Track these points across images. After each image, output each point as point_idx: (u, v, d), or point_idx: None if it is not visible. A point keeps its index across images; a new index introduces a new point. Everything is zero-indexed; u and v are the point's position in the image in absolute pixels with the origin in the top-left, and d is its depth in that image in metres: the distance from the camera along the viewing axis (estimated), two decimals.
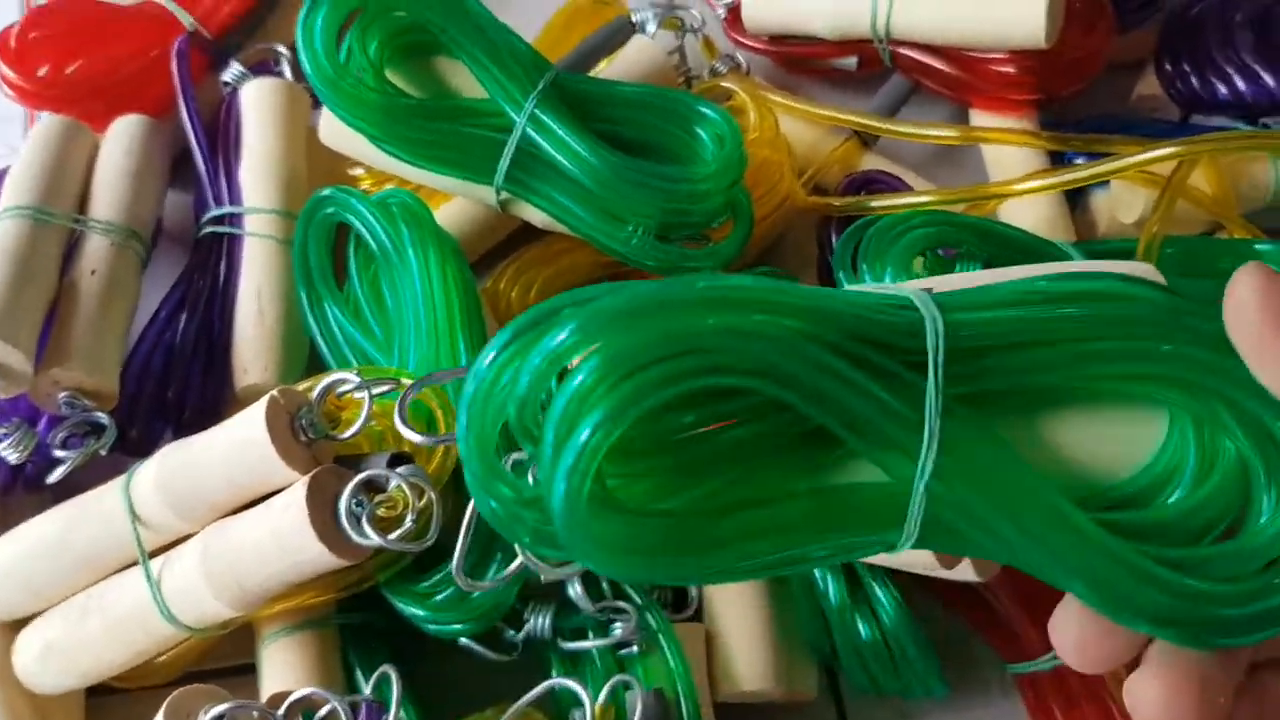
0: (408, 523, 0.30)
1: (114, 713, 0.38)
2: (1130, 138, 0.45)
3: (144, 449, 0.41)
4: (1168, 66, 0.51)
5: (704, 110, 0.40)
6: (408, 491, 0.30)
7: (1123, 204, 0.47)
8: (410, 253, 0.38)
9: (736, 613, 0.37)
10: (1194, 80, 0.50)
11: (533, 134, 0.39)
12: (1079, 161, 0.48)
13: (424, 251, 0.38)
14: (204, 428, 0.40)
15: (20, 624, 0.35)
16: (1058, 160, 0.49)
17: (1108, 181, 0.47)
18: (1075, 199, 0.49)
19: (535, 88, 0.39)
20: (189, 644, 0.36)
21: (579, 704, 0.31)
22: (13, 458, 0.36)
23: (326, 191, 0.39)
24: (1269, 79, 0.49)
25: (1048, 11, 0.43)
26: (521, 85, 0.39)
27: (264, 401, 0.30)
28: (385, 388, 0.33)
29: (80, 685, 0.35)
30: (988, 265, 0.37)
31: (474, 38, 0.39)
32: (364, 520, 0.29)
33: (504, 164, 0.40)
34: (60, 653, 0.34)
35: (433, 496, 0.30)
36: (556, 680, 0.32)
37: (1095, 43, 0.47)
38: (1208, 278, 0.41)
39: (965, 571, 0.31)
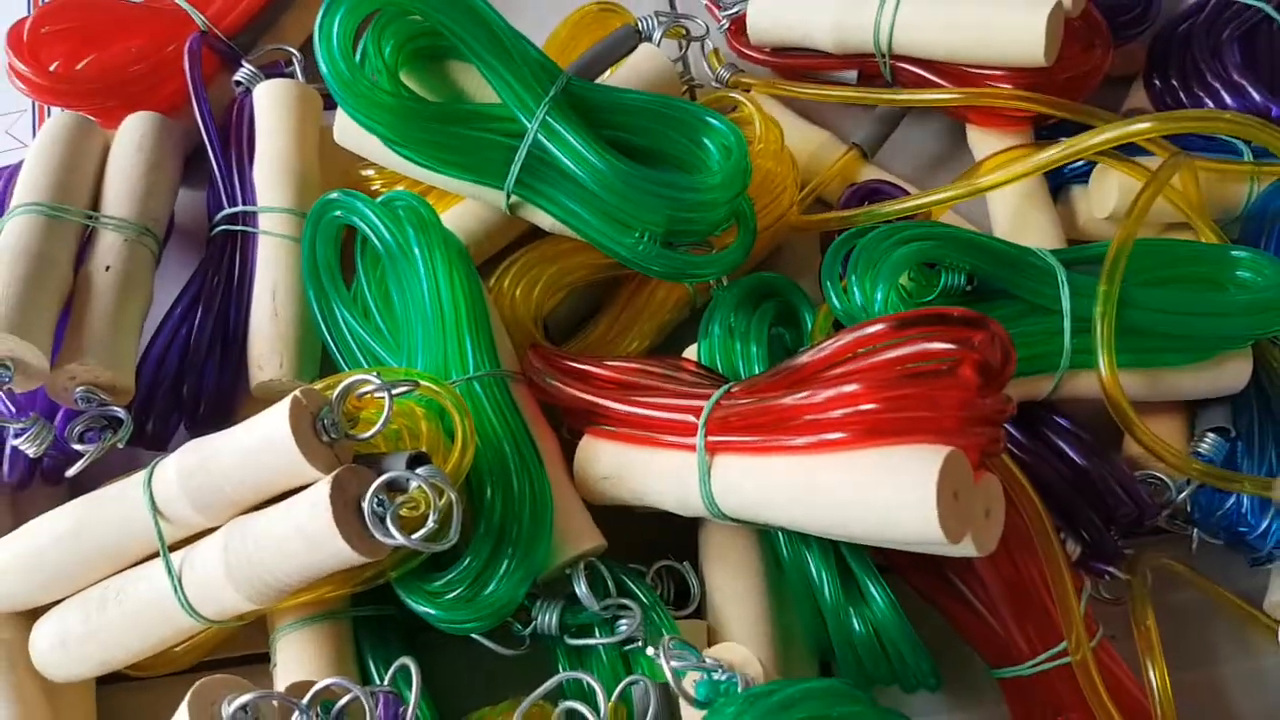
0: (430, 523, 0.29)
1: (125, 700, 0.39)
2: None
3: (159, 443, 0.41)
4: (1156, 81, 0.52)
5: (711, 121, 0.40)
6: (429, 492, 0.30)
7: (1097, 199, 0.48)
8: (417, 254, 0.37)
9: (736, 610, 0.37)
10: (1181, 94, 0.51)
11: (544, 140, 0.39)
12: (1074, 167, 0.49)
13: (430, 253, 0.38)
14: (219, 422, 0.40)
15: (36, 614, 0.35)
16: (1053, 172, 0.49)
17: (1087, 178, 0.48)
18: (1056, 195, 0.50)
19: (547, 94, 0.39)
20: (205, 635, 0.35)
21: (592, 697, 0.31)
22: (31, 451, 0.35)
23: (334, 194, 0.39)
24: (1254, 93, 0.50)
25: (1047, 30, 0.43)
26: (534, 91, 0.39)
27: (287, 401, 0.30)
28: (404, 389, 0.33)
29: (96, 674, 0.35)
30: (970, 277, 0.38)
31: (487, 43, 0.39)
32: (388, 520, 0.29)
33: (515, 169, 0.40)
34: (78, 642, 0.34)
35: (453, 497, 0.30)
36: (569, 674, 0.32)
37: (1094, 60, 0.47)
38: (1172, 281, 0.42)
39: (967, 547, 0.30)
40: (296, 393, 0.31)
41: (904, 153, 0.52)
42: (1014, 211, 0.48)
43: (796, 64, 0.51)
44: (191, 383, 0.41)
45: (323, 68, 0.38)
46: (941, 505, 0.28)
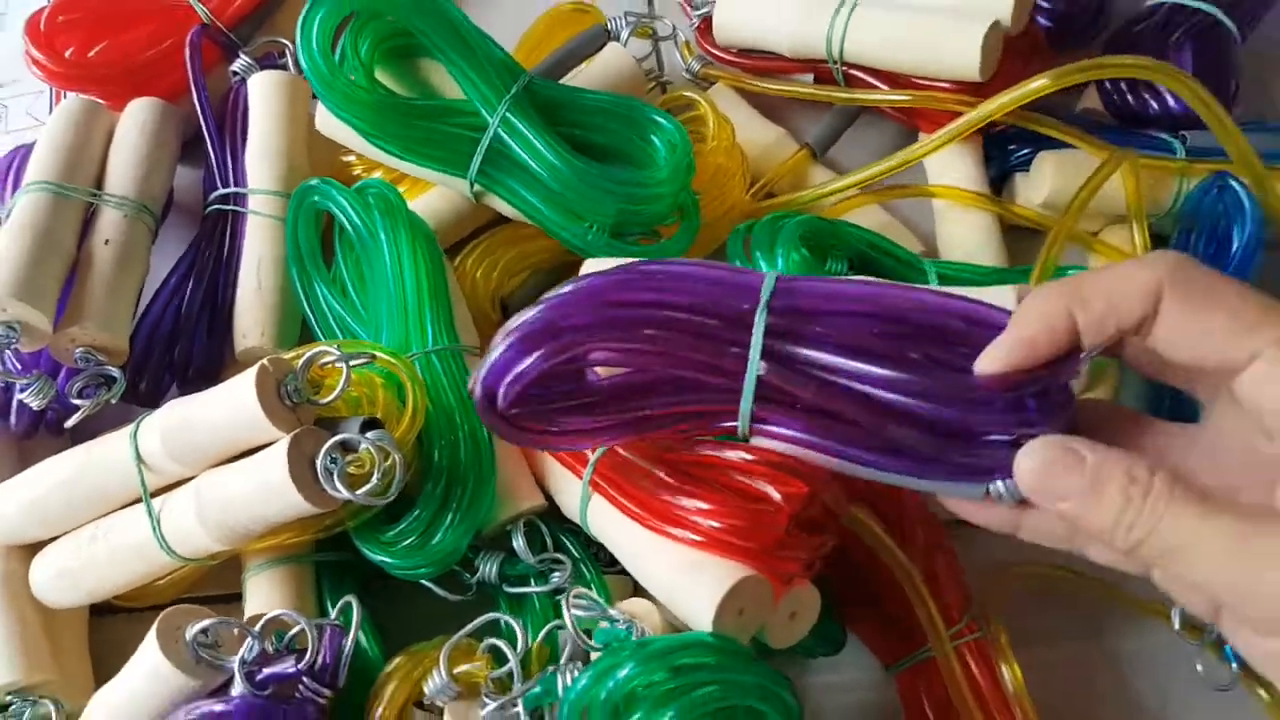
0: (374, 480, 0.33)
1: (116, 629, 0.42)
2: (1057, 122, 0.48)
3: (152, 401, 0.44)
4: (1106, 83, 0.53)
5: (659, 119, 0.43)
6: (375, 454, 0.33)
7: (1033, 185, 0.50)
8: (382, 236, 0.41)
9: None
10: (1129, 96, 0.53)
11: (504, 134, 0.42)
12: (1012, 147, 0.51)
13: (395, 236, 0.41)
14: (206, 384, 0.44)
15: (36, 548, 0.39)
16: (999, 156, 0.51)
17: (1028, 166, 0.50)
18: (1002, 183, 0.52)
19: (508, 92, 0.42)
20: (183, 571, 0.39)
21: (511, 636, 0.34)
22: (34, 404, 0.39)
23: (313, 182, 0.42)
24: None
25: (983, 49, 0.45)
26: (495, 89, 0.42)
27: (255, 369, 0.34)
28: (361, 360, 0.36)
29: (87, 602, 0.39)
30: (850, 262, 0.41)
31: (453, 44, 0.42)
32: (335, 476, 0.33)
33: (477, 160, 0.43)
34: (71, 574, 0.38)
35: (397, 458, 0.33)
36: (494, 615, 0.35)
37: (1029, 74, 0.49)
38: None
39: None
40: (264, 361, 0.34)
41: (857, 153, 0.54)
42: (958, 217, 0.50)
43: (758, 65, 0.53)
44: (182, 347, 0.44)
45: (304, 65, 0.41)
46: (720, 617, 0.32)
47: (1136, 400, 0.46)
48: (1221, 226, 0.49)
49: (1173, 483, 0.26)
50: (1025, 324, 0.28)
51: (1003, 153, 0.52)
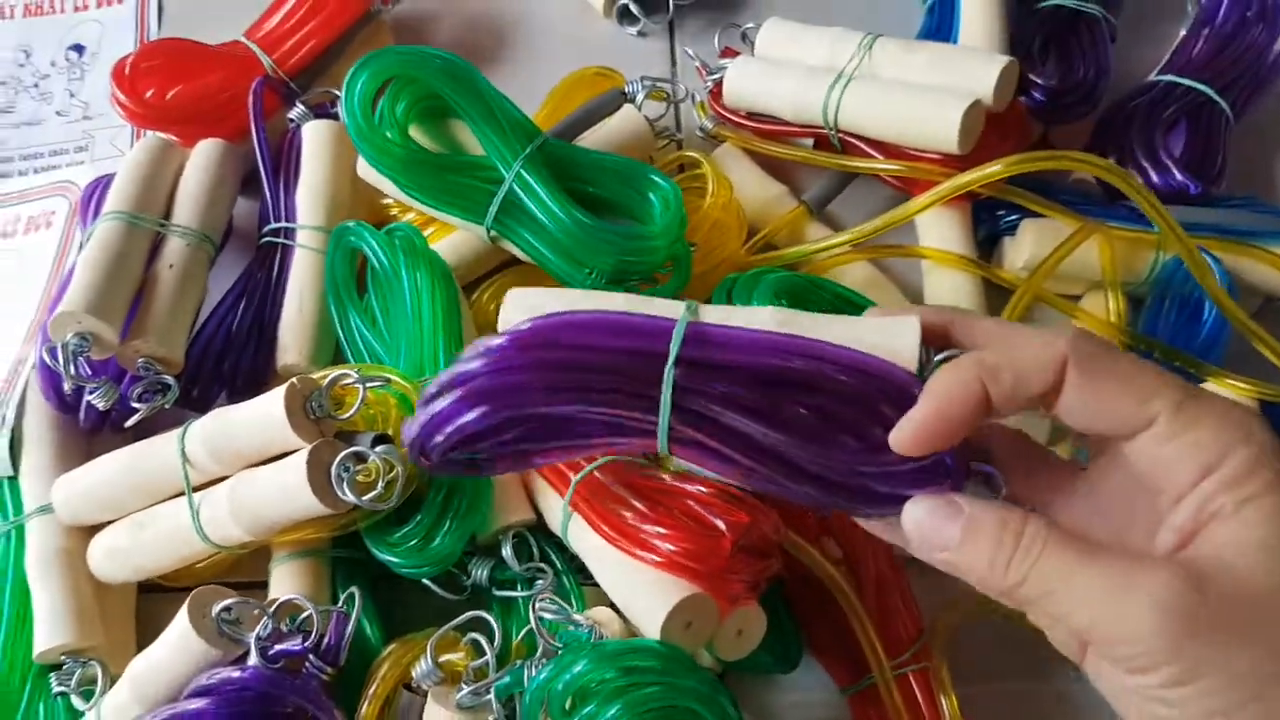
0: (379, 488, 0.38)
1: (160, 605, 0.48)
2: (1038, 197, 0.51)
3: (203, 407, 0.50)
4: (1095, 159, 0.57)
5: (655, 179, 0.48)
6: (381, 465, 0.38)
7: (1016, 249, 0.53)
8: (404, 275, 0.46)
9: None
10: None
11: (518, 189, 0.47)
12: (1000, 213, 0.54)
13: (415, 274, 0.46)
14: (252, 393, 0.49)
15: (94, 530, 0.45)
16: (989, 220, 0.55)
17: (1014, 229, 0.53)
18: (992, 245, 0.56)
19: (524, 151, 0.47)
20: (218, 557, 0.45)
21: (493, 632, 0.39)
22: (101, 405, 0.45)
23: (350, 224, 0.48)
24: (1176, 173, 0.54)
25: (961, 126, 0.49)
26: (512, 148, 0.47)
27: (285, 387, 0.39)
28: (378, 382, 0.41)
29: (134, 579, 0.45)
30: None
31: (478, 107, 0.47)
32: (346, 483, 0.38)
33: (493, 210, 0.48)
34: (122, 554, 0.44)
35: (400, 471, 0.39)
36: (478, 612, 0.40)
37: (1009, 150, 0.51)
38: None
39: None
40: (294, 380, 0.39)
41: (852, 211, 0.58)
42: (942, 276, 0.54)
43: (764, 128, 0.57)
44: (231, 360, 0.50)
45: (346, 123, 0.47)
46: (667, 628, 0.36)
47: None
48: (1194, 297, 0.52)
49: (1047, 529, 0.29)
50: (939, 398, 0.29)
51: (992, 217, 0.55)
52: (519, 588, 0.44)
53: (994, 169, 0.46)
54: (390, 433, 0.41)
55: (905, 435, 0.30)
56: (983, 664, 0.47)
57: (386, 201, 0.54)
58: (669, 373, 0.30)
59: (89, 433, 0.48)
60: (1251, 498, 0.27)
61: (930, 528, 0.30)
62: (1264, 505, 0.27)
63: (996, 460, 0.32)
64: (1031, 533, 0.29)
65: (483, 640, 0.39)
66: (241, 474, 0.41)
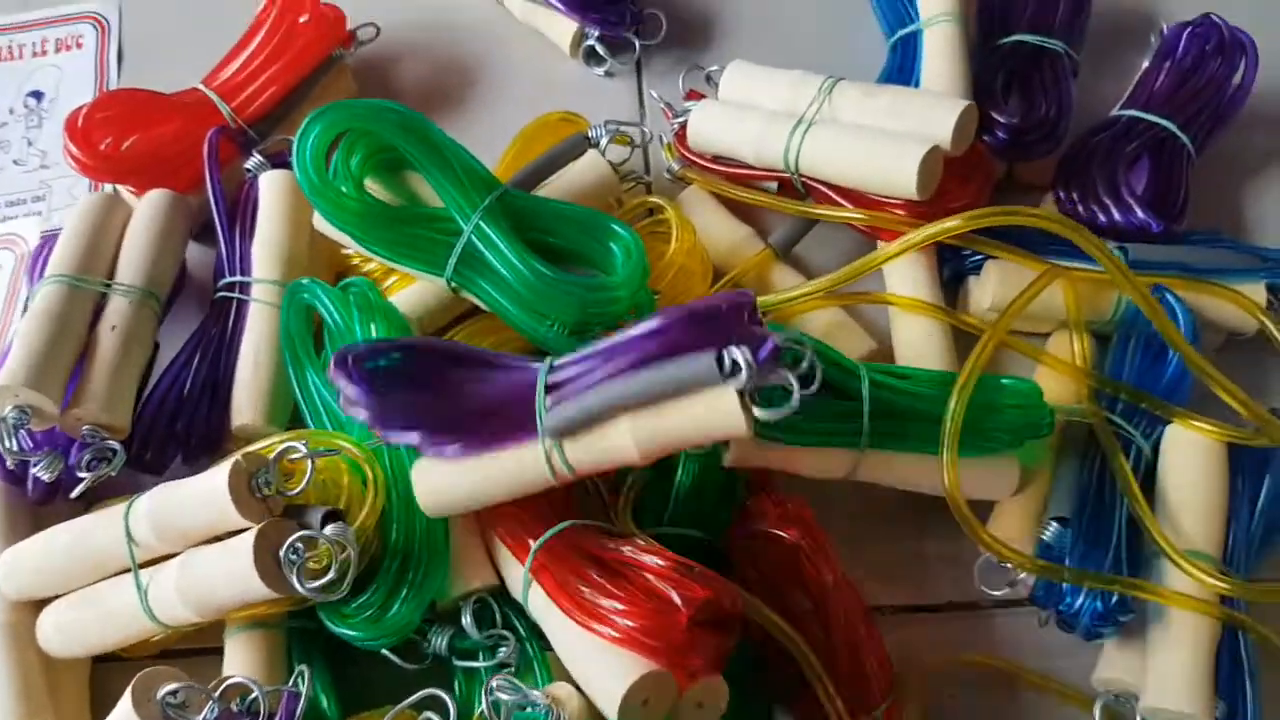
0: (331, 574, 0.36)
1: (115, 675, 0.45)
2: (1001, 244, 0.50)
3: (157, 469, 0.48)
4: (1061, 193, 0.55)
5: (616, 228, 0.46)
6: (333, 548, 0.36)
7: (981, 290, 0.52)
8: (358, 330, 0.44)
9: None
10: (1079, 206, 0.54)
11: (476, 241, 0.45)
12: (965, 252, 0.53)
13: (368, 329, 0.44)
14: (208, 454, 0.47)
15: (42, 603, 0.43)
16: (954, 259, 0.53)
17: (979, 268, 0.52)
18: (957, 286, 0.54)
19: (482, 202, 0.45)
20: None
21: (448, 711, 0.37)
22: (46, 477, 0.43)
23: (303, 281, 0.46)
24: (1138, 211, 0.53)
25: (919, 172, 0.47)
26: (471, 200, 0.45)
27: (229, 466, 0.37)
28: (326, 455, 0.39)
29: (83, 654, 0.43)
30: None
31: (434, 159, 0.45)
32: (296, 569, 0.36)
33: (452, 262, 0.45)
34: (69, 630, 0.41)
35: (352, 553, 0.36)
36: (429, 690, 0.38)
37: (971, 193, 0.51)
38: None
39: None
40: (238, 458, 0.37)
41: (819, 251, 0.56)
42: (908, 320, 0.52)
43: (728, 171, 0.55)
44: (185, 421, 0.47)
45: (299, 179, 0.44)
46: (625, 707, 0.35)
47: (1066, 495, 0.48)
48: (1158, 337, 0.50)
49: None
50: None
51: (957, 256, 0.54)
52: (481, 656, 0.42)
53: (952, 224, 0.45)
54: (342, 506, 0.39)
55: None
56: (954, 716, 0.45)
57: (347, 252, 0.51)
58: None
59: (38, 504, 0.46)
60: None
61: None
62: None
63: None
64: None
65: (436, 718, 0.37)
66: (188, 554, 0.38)
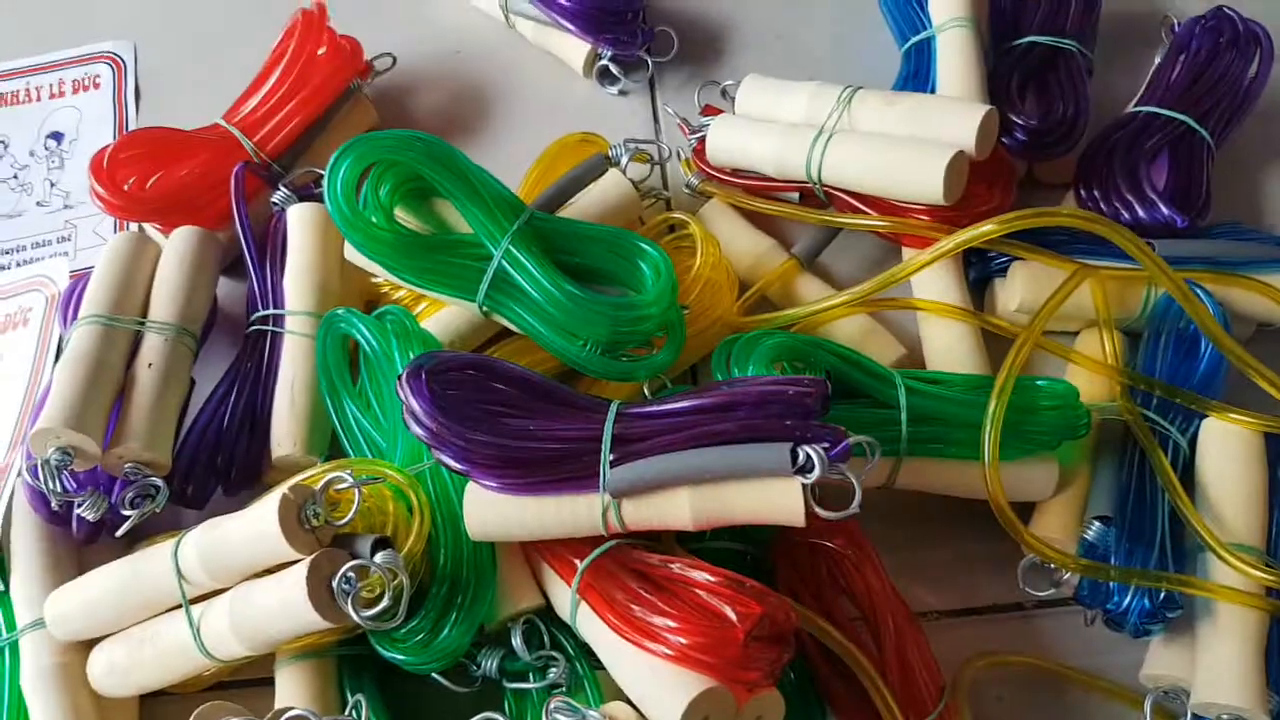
0: (385, 602, 0.36)
1: (166, 711, 0.46)
2: (1027, 245, 0.50)
3: (199, 504, 0.48)
4: (1082, 191, 0.55)
5: (645, 247, 0.46)
6: (384, 575, 0.36)
7: (1007, 292, 0.52)
8: (397, 358, 0.44)
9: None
10: (1102, 204, 0.54)
11: (507, 265, 0.45)
12: (991, 254, 0.53)
13: (408, 356, 0.44)
14: (248, 488, 0.47)
15: (91, 642, 0.43)
16: (980, 262, 0.53)
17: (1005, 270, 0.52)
18: (983, 288, 0.54)
19: (511, 227, 0.45)
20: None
21: None
22: (90, 516, 0.43)
23: (339, 311, 0.46)
24: (1162, 207, 0.53)
25: (945, 177, 0.47)
26: (500, 225, 0.45)
27: (276, 497, 0.37)
28: (371, 482, 0.39)
29: (135, 694, 0.43)
30: (828, 373, 0.44)
31: (462, 187, 0.45)
32: (350, 599, 0.36)
33: (484, 287, 0.46)
34: (123, 671, 0.41)
35: (404, 579, 0.36)
36: (488, 714, 0.38)
37: (998, 197, 0.51)
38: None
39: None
40: (286, 490, 0.37)
41: (843, 259, 0.56)
42: (937, 325, 0.52)
43: (749, 184, 0.55)
44: (225, 455, 0.47)
45: (330, 210, 0.45)
46: None
47: (1106, 493, 0.47)
48: (1189, 331, 0.50)
49: None
50: None
51: (982, 259, 0.54)
52: (531, 677, 0.42)
53: (987, 228, 0.45)
54: (390, 534, 0.39)
55: None
56: (1003, 718, 0.45)
57: (378, 280, 0.52)
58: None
59: (83, 544, 0.46)
60: None
61: None
62: None
63: None
64: None
65: None
66: (240, 589, 0.38)
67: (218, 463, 0.48)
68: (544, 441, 0.39)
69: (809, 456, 0.36)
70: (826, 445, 0.36)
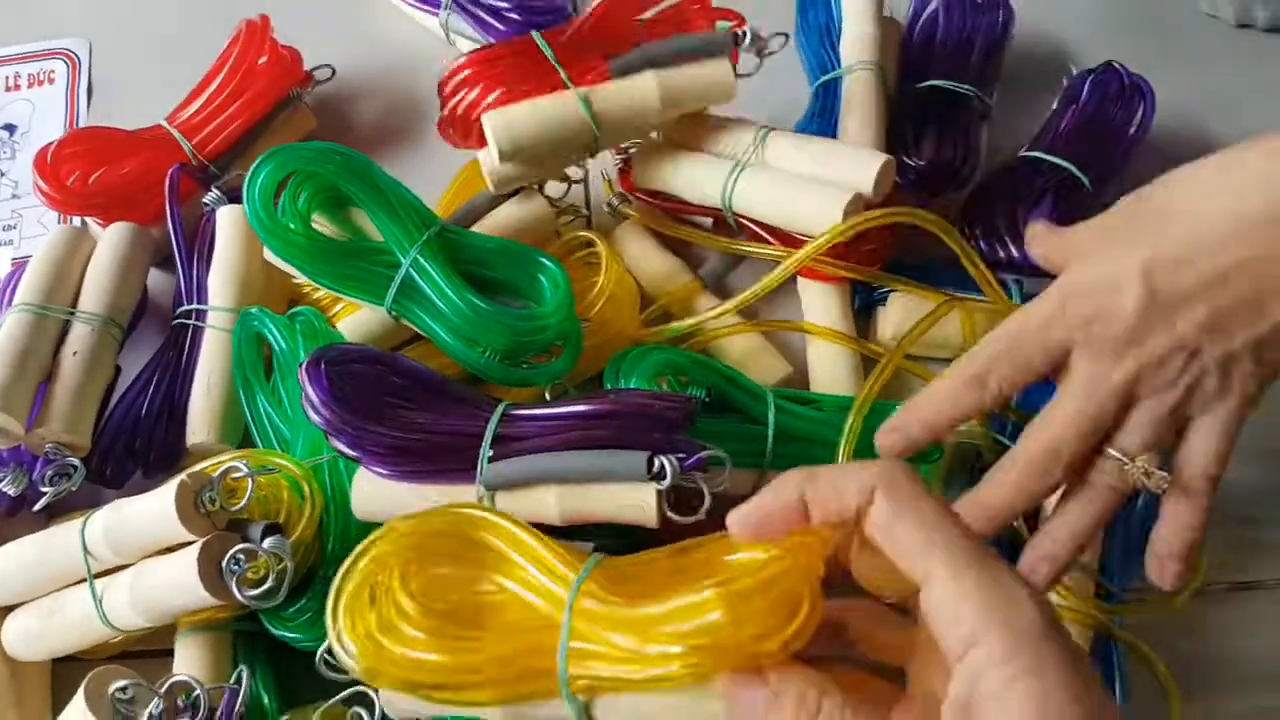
0: (269, 583, 0.39)
1: (76, 675, 0.48)
2: (905, 279, 0.54)
3: (117, 483, 0.51)
4: (965, 229, 0.58)
5: (545, 262, 0.49)
6: (271, 559, 0.39)
7: (885, 319, 0.56)
8: (303, 356, 0.47)
9: None
10: (982, 244, 0.57)
11: (414, 274, 0.48)
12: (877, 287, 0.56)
13: None
14: (165, 471, 0.50)
15: (7, 610, 0.46)
16: (865, 291, 0.57)
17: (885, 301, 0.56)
18: (869, 314, 0.57)
19: (420, 238, 0.48)
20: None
21: (373, 705, 0.40)
22: (11, 491, 0.46)
23: (253, 309, 0.49)
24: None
25: (844, 215, 0.51)
26: (410, 235, 0.48)
27: (176, 484, 0.40)
28: (269, 472, 0.42)
29: (46, 658, 0.46)
30: (709, 390, 0.47)
31: (375, 198, 0.48)
32: (236, 579, 0.39)
33: (392, 292, 0.49)
34: (33, 637, 0.45)
35: (289, 564, 0.40)
36: (357, 687, 0.41)
37: (886, 235, 0.54)
38: None
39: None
40: (184, 477, 0.40)
41: (749, 283, 0.59)
42: (822, 346, 0.56)
43: (668, 206, 0.59)
44: (143, 439, 0.51)
45: (249, 215, 0.48)
46: None
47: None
48: None
49: (843, 706, 0.29)
50: (768, 499, 0.32)
51: (868, 288, 0.58)
52: None
53: (825, 236, 0.49)
54: (282, 520, 0.42)
55: (735, 522, 0.32)
56: None
57: (299, 280, 0.55)
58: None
59: (5, 516, 0.49)
60: (1012, 679, 0.27)
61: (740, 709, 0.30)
62: (1020, 688, 0.27)
63: (854, 629, 0.33)
64: (828, 709, 0.29)
65: (364, 713, 0.40)
66: (140, 565, 0.41)
67: (136, 446, 0.51)
68: (432, 434, 0.42)
69: (664, 465, 0.39)
70: (682, 456, 0.40)
